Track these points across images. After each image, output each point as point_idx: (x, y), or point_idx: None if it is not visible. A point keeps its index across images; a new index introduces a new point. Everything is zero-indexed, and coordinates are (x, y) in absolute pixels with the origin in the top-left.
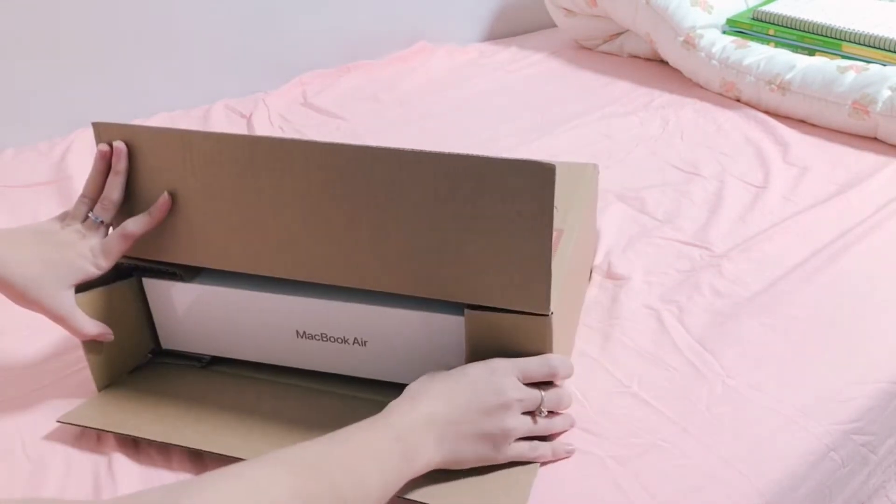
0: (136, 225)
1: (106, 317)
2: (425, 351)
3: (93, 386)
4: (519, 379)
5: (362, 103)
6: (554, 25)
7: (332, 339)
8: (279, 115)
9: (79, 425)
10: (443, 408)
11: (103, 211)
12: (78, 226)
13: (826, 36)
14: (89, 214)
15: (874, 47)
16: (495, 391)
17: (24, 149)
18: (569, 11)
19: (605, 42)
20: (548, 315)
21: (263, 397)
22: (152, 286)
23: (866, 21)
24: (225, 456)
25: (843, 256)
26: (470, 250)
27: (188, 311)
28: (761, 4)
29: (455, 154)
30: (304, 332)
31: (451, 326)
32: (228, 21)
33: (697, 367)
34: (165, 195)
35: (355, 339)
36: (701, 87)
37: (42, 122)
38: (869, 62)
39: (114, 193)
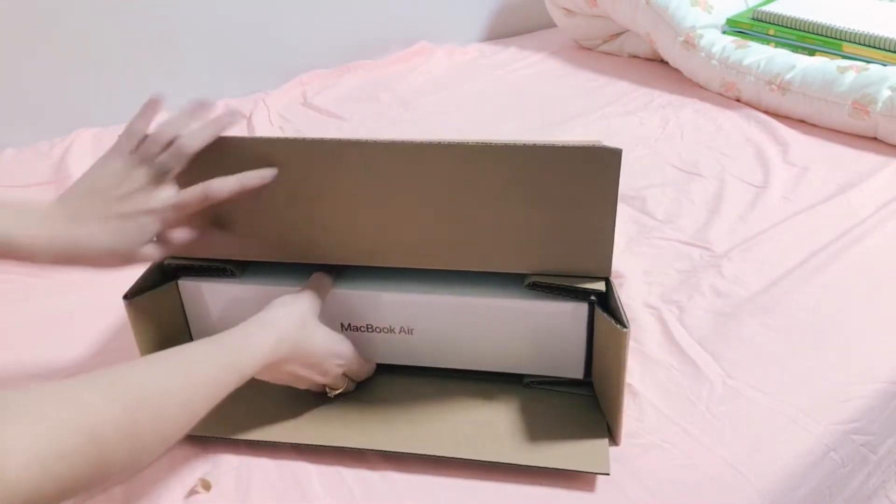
0: (223, 185)
1: (154, 319)
2: (471, 335)
3: None
4: None
5: (362, 103)
6: (554, 25)
7: (378, 330)
8: (279, 115)
9: None
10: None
11: (176, 158)
12: (143, 172)
13: (826, 36)
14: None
15: (874, 47)
16: None
17: (24, 149)
18: (569, 11)
19: (605, 42)
20: (609, 278)
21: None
22: (189, 288)
23: (866, 21)
24: (287, 444)
25: (843, 256)
26: (538, 226)
27: (226, 310)
28: (761, 4)
29: (524, 144)
30: (350, 325)
31: (493, 310)
32: (228, 21)
33: (697, 367)
34: (269, 172)
35: (401, 328)
36: (701, 87)
37: (42, 122)
38: (869, 62)
39: (196, 142)
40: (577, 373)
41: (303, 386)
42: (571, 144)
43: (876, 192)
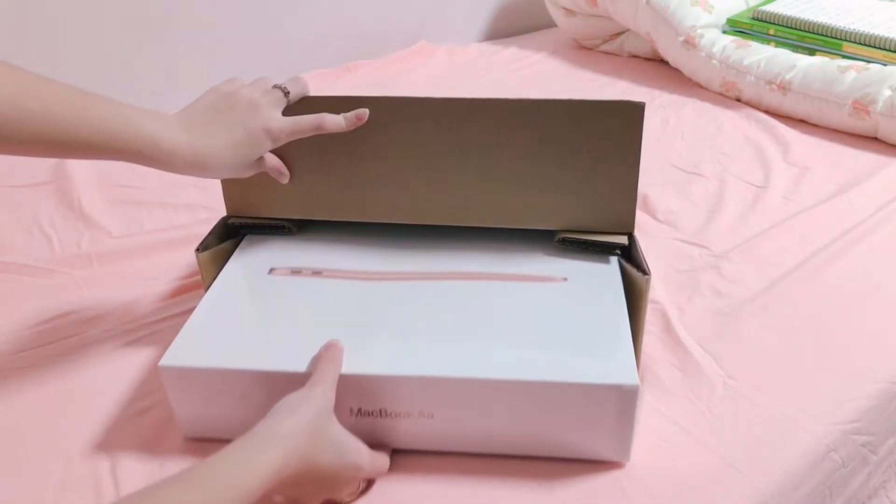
0: (333, 119)
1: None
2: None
3: None
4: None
5: None
6: (554, 25)
7: (394, 415)
8: None
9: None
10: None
11: (295, 84)
12: (263, 95)
13: (826, 36)
14: (276, 86)
15: (874, 47)
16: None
17: None
18: (569, 11)
19: (605, 42)
20: (633, 233)
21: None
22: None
23: (866, 21)
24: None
25: (843, 256)
26: (568, 183)
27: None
28: (761, 4)
29: (555, 99)
30: (360, 410)
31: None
32: (228, 21)
33: (698, 367)
34: (365, 111)
35: (420, 412)
36: (701, 86)
37: None
38: (869, 62)
39: (306, 82)
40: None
41: (313, 503)
42: (597, 100)
43: (876, 192)
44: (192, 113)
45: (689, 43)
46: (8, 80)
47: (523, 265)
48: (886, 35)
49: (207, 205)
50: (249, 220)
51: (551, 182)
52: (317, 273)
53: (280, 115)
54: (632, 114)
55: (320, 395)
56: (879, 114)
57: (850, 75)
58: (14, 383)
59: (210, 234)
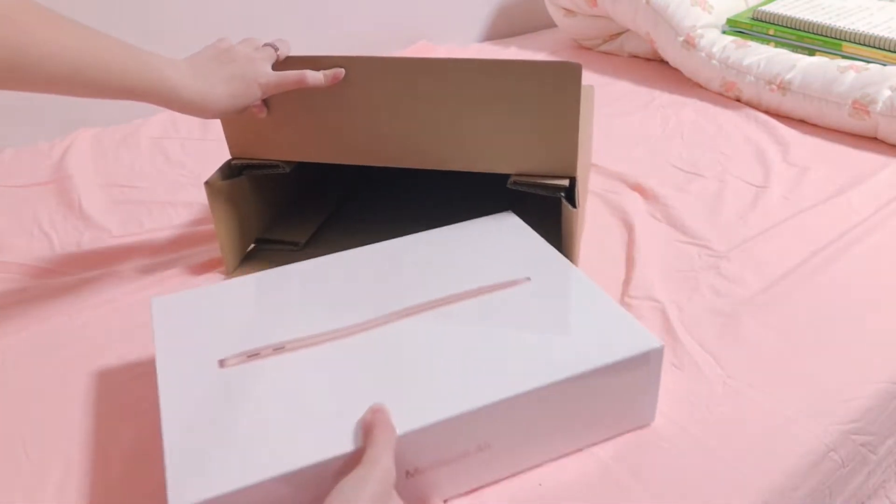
0: (313, 77)
1: (229, 205)
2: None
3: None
4: None
5: None
6: (554, 25)
7: (449, 462)
8: None
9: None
10: None
11: (282, 44)
12: (255, 51)
13: (826, 36)
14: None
15: (874, 47)
16: None
17: (24, 149)
18: (569, 11)
19: (605, 42)
20: (575, 177)
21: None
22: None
23: (866, 21)
24: None
25: (843, 256)
26: (518, 134)
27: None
28: (761, 4)
29: (509, 60)
30: (416, 470)
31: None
32: (228, 22)
33: (697, 367)
34: (341, 70)
35: (478, 445)
36: (701, 86)
37: (42, 122)
38: (869, 62)
39: (289, 44)
40: None
41: None
42: (542, 60)
43: (876, 192)
44: (197, 63)
45: (689, 43)
46: (45, 22)
47: (481, 277)
48: (886, 35)
49: (207, 203)
50: (249, 161)
51: (505, 132)
52: (278, 350)
53: (270, 69)
54: (571, 73)
55: (380, 476)
56: (879, 114)
57: (850, 75)
58: (13, 383)
59: (217, 171)
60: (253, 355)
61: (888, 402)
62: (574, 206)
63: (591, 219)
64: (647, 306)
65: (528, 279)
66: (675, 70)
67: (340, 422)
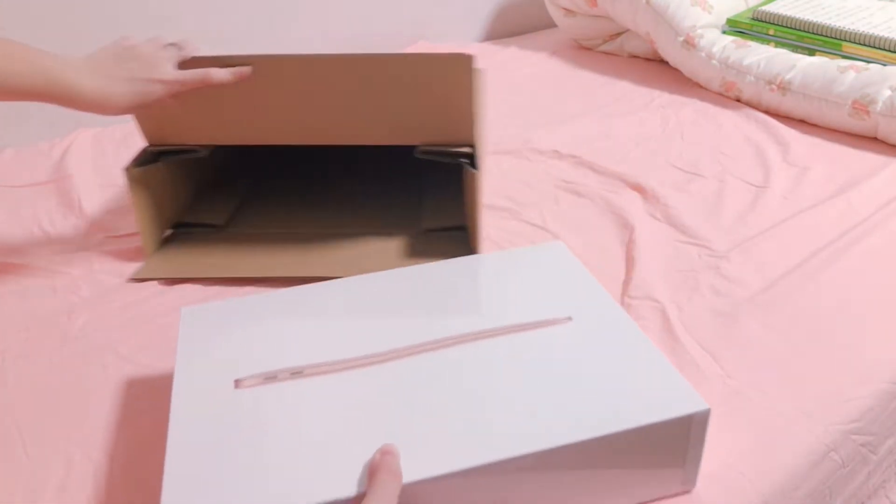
0: (218, 75)
1: (149, 191)
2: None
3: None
4: None
5: None
6: (554, 25)
7: None
8: None
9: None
10: None
11: (187, 44)
12: (159, 50)
13: (826, 36)
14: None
15: (874, 47)
16: None
17: (24, 149)
18: (569, 11)
19: (605, 42)
20: (473, 147)
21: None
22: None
23: (866, 21)
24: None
25: (843, 256)
26: (422, 113)
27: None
28: (761, 4)
29: (408, 54)
30: None
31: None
32: (229, 22)
33: (697, 367)
34: (248, 68)
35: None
36: (701, 86)
37: (42, 122)
38: (869, 62)
39: (194, 46)
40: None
41: None
42: (438, 53)
43: (876, 192)
44: (98, 60)
45: (689, 43)
46: None
47: (518, 312)
48: (886, 35)
49: None
50: (166, 148)
51: (409, 110)
52: (296, 374)
53: (173, 68)
54: (464, 62)
55: None
56: (879, 114)
57: (850, 75)
58: (13, 383)
59: (134, 159)
60: (270, 378)
61: (888, 402)
62: (474, 167)
63: (591, 219)
64: (647, 306)
65: (570, 319)
66: (675, 70)
67: (347, 461)
